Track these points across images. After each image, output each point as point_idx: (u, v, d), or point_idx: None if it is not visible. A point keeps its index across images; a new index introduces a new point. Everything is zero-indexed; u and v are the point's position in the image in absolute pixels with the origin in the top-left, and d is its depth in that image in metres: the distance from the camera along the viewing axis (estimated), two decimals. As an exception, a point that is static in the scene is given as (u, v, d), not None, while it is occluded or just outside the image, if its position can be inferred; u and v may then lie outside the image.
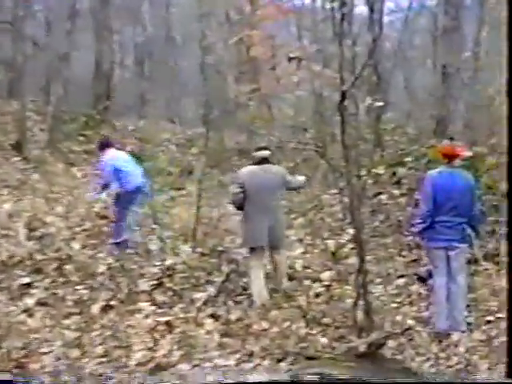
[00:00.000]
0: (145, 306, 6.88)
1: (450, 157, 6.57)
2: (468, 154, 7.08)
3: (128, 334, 6.14)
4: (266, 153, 7.54)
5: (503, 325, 6.33)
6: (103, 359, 5.64)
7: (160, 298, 7.21)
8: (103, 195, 9.38)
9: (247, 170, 7.53)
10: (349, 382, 4.81)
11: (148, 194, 9.50)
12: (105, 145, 9.36)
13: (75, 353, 5.71)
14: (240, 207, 7.49)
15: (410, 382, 5.33)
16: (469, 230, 6.50)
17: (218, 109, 13.30)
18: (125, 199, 8.99)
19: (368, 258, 8.10)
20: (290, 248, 8.63)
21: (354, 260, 7.84)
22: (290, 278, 7.76)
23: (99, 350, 5.80)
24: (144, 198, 9.40)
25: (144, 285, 7.47)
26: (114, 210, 9.22)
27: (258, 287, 7.24)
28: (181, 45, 25.30)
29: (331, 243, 9.33)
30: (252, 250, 7.44)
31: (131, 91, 23.60)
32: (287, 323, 6.43)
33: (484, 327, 6.45)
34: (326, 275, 8.06)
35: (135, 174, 9.09)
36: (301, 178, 7.91)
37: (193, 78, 21.46)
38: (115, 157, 9.14)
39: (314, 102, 13.18)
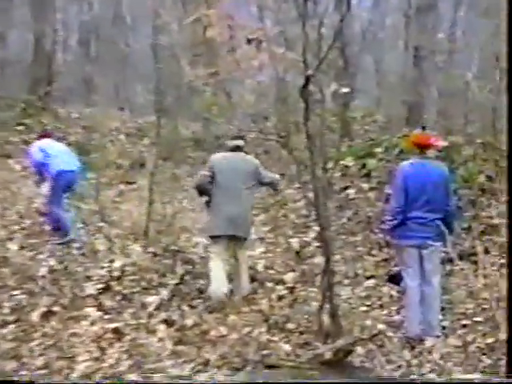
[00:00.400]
0: (91, 311, 6.79)
1: (423, 147, 6.58)
2: (443, 143, 7.14)
3: (71, 343, 6.06)
4: (240, 142, 7.76)
5: (480, 328, 6.44)
6: (43, 371, 5.56)
7: (108, 302, 7.13)
8: (44, 188, 9.28)
9: (219, 154, 7.72)
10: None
11: (78, 184, 9.49)
12: (43, 136, 9.60)
13: (11, 365, 5.62)
14: (203, 192, 7.61)
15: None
16: (443, 227, 6.48)
17: (172, 95, 13.22)
18: (51, 188, 8.96)
19: (335, 257, 8.18)
20: (251, 247, 8.63)
21: (319, 260, 7.89)
22: (251, 280, 7.76)
23: (39, 361, 5.71)
24: (75, 189, 9.38)
25: (90, 289, 7.38)
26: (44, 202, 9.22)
27: (218, 283, 7.26)
28: (131, 24, 25.10)
29: (295, 242, 9.37)
30: (215, 240, 7.48)
31: (76, 75, 23.32)
32: (247, 329, 6.43)
33: (460, 332, 6.51)
34: (289, 276, 8.08)
35: (61, 161, 9.07)
36: (276, 176, 8.04)
37: (144, 62, 21.30)
38: (44, 145, 9.19)
39: (277, 87, 13.18)
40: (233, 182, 7.43)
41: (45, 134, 9.71)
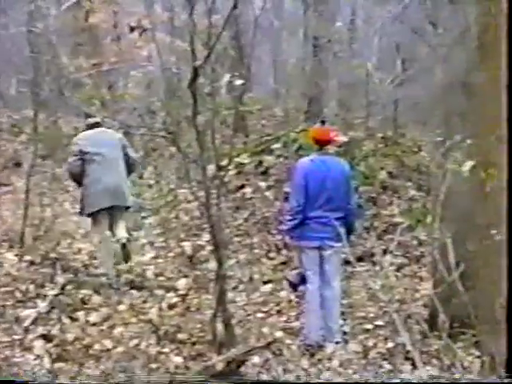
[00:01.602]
0: (-44, 330, 6.60)
1: (322, 142, 6.62)
2: (343, 138, 7.26)
3: None
4: (96, 118, 8.43)
5: (381, 333, 6.61)
6: None
7: (-24, 318, 6.93)
8: None
9: (82, 134, 8.35)
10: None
11: None
12: None
13: None
14: (77, 178, 8.17)
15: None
16: (342, 227, 6.42)
17: (51, 88, 12.97)
18: None
19: (230, 261, 8.23)
20: (138, 252, 8.60)
21: (213, 264, 7.90)
22: (140, 288, 7.76)
23: None
24: None
25: (-47, 304, 7.15)
26: None
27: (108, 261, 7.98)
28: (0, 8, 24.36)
29: (188, 246, 9.35)
30: (94, 217, 8.11)
31: None
32: (135, 341, 6.34)
33: (361, 337, 6.64)
34: (181, 283, 8.05)
35: None
36: (136, 155, 9.03)
37: (18, 50, 20.75)
38: None
39: (165, 80, 13.13)
40: (103, 156, 8.04)
41: None
